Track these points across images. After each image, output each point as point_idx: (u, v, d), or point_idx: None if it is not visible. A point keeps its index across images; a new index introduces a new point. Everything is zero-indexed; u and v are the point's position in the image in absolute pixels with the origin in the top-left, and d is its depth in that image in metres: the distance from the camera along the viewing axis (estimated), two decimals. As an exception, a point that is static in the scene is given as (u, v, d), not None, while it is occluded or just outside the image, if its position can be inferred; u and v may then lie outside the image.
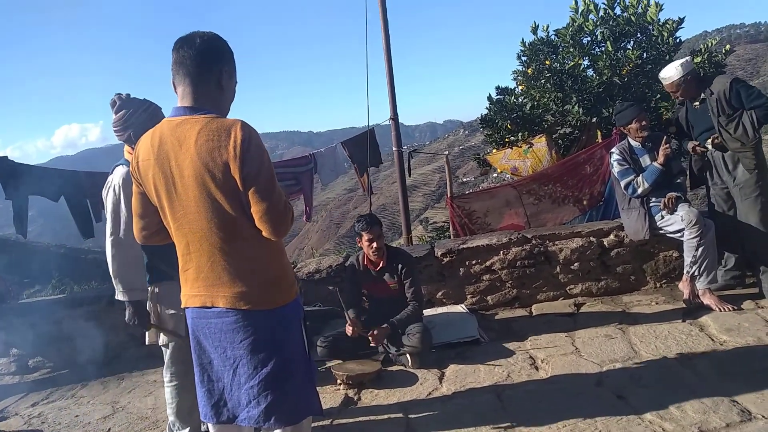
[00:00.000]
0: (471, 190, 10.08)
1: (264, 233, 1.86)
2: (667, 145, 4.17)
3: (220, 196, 1.81)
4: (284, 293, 1.96)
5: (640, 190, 4.24)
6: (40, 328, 4.51)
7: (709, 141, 4.07)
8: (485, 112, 7.67)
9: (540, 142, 6.99)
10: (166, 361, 2.87)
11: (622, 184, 4.32)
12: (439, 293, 4.66)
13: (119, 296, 2.73)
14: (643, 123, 4.31)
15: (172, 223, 1.93)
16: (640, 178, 4.22)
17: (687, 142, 4.32)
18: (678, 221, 4.08)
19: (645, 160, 4.33)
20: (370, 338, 3.70)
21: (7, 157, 5.64)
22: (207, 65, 1.90)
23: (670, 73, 4.13)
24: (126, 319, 2.78)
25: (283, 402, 1.92)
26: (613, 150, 4.49)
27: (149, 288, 2.81)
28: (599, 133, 6.68)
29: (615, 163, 4.37)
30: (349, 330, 3.72)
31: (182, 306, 2.02)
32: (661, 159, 4.17)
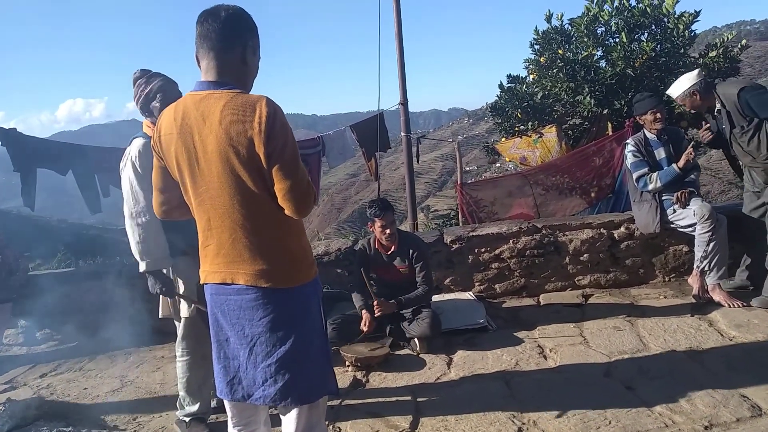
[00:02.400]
0: (473, 179, 10.06)
1: (287, 211, 1.84)
2: (692, 151, 4.13)
3: (243, 172, 1.79)
4: (304, 272, 1.95)
5: (651, 186, 4.23)
6: (48, 300, 4.52)
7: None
8: (496, 99, 7.63)
9: (550, 132, 6.95)
10: (178, 335, 2.87)
11: (635, 176, 4.30)
12: (447, 280, 4.66)
13: (143, 268, 2.70)
14: (658, 116, 4.28)
15: (194, 199, 1.91)
16: (654, 175, 4.20)
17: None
18: (690, 215, 4.07)
19: (660, 152, 4.31)
20: (374, 304, 3.71)
21: (15, 129, 5.62)
22: (232, 39, 1.87)
23: (673, 90, 4.07)
24: (150, 289, 2.74)
25: (299, 381, 1.91)
26: (628, 141, 4.47)
27: None
28: (610, 125, 6.65)
29: (629, 155, 4.35)
30: (364, 327, 3.72)
31: (201, 282, 2.01)
32: (681, 163, 4.14)
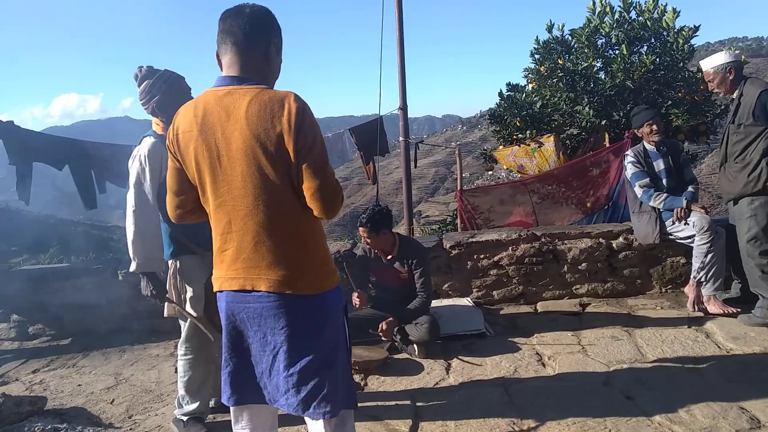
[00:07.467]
0: (467, 186, 10.02)
1: (315, 212, 1.78)
2: (703, 207, 4.15)
3: (270, 170, 1.73)
4: (327, 279, 1.88)
5: (652, 202, 4.25)
6: (41, 295, 4.48)
7: None
8: (495, 107, 7.66)
9: (548, 142, 6.98)
10: (183, 335, 2.83)
11: (639, 185, 4.31)
12: (446, 285, 4.65)
13: (133, 267, 2.69)
14: (654, 128, 4.32)
15: (213, 200, 1.83)
16: (663, 196, 4.21)
17: None
18: (689, 227, 4.10)
19: (659, 164, 4.34)
20: (380, 333, 3.70)
21: (13, 122, 5.57)
22: (256, 35, 1.83)
23: (710, 61, 3.92)
24: (141, 290, 2.75)
25: (321, 392, 1.83)
26: (627, 152, 4.50)
27: (170, 261, 2.78)
28: (607, 136, 6.69)
29: (629, 165, 4.37)
30: (356, 300, 3.75)
31: (216, 290, 1.92)
32: (688, 205, 4.13)
